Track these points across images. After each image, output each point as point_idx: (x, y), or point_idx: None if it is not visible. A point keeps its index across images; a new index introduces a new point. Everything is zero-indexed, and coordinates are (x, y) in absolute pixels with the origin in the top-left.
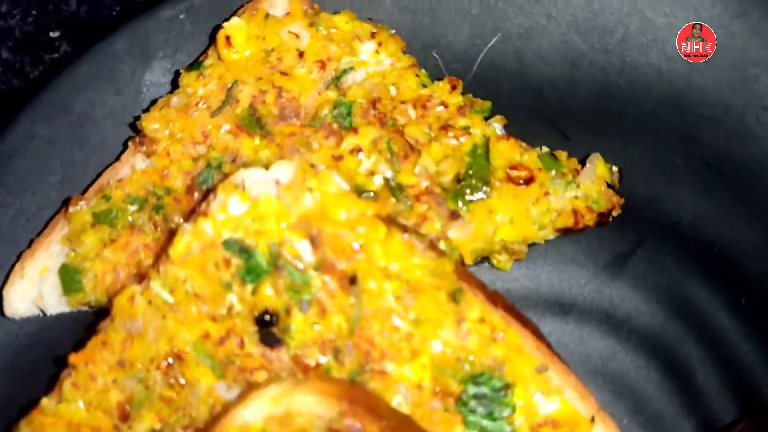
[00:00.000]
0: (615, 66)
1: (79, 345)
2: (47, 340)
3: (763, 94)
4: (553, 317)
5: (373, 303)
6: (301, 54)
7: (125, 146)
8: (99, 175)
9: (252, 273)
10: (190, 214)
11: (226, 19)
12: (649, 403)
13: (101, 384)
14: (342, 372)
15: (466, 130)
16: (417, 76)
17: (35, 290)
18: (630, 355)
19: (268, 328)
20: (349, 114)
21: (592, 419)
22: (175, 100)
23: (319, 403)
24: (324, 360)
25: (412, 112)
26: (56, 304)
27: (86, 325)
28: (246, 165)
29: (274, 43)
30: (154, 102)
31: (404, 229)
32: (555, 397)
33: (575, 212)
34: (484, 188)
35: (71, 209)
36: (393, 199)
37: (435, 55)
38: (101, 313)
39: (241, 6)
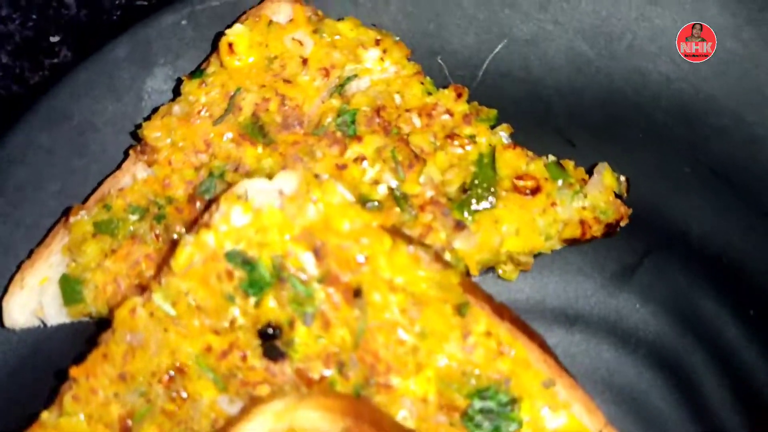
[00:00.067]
0: (622, 73)
1: (79, 357)
2: (47, 351)
3: None
4: (560, 328)
5: (377, 316)
6: (304, 61)
7: (126, 154)
8: (100, 183)
9: (255, 285)
10: (192, 225)
11: (229, 26)
12: (657, 416)
13: (102, 397)
14: (346, 385)
15: (471, 138)
16: (422, 83)
17: (35, 301)
18: (637, 367)
19: (271, 341)
20: (353, 122)
21: None
22: (176, 108)
23: (323, 419)
24: (328, 373)
25: (417, 121)
26: (56, 314)
27: (87, 337)
28: (249, 174)
29: (278, 50)
30: (155, 109)
31: (409, 240)
32: (562, 411)
33: (582, 223)
34: (490, 198)
35: (72, 219)
36: (397, 209)
37: (440, 61)
38: (102, 324)
39: (244, 12)
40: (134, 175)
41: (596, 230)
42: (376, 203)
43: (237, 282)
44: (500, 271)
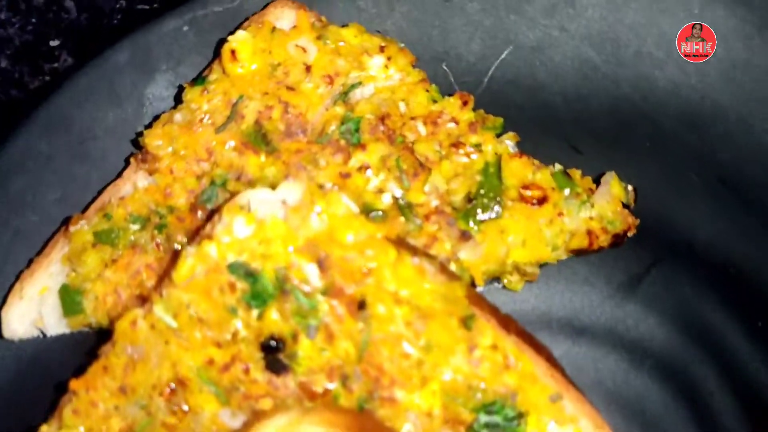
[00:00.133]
0: (629, 79)
1: (79, 370)
2: (47, 362)
3: None
4: (566, 339)
5: (382, 328)
6: (308, 68)
7: (127, 162)
8: (100, 192)
9: (258, 297)
10: (194, 234)
11: (231, 32)
12: (663, 429)
13: (102, 410)
14: (350, 399)
15: (477, 147)
16: (427, 91)
17: (34, 311)
18: (644, 379)
19: (274, 354)
20: (357, 130)
21: None
22: (178, 116)
23: None
24: (332, 387)
25: (422, 129)
26: (56, 325)
27: (87, 349)
28: (251, 183)
29: (281, 57)
30: (156, 117)
31: (414, 251)
32: (569, 426)
33: (590, 233)
34: (496, 208)
35: (72, 228)
36: (402, 219)
37: (445, 68)
38: (102, 335)
39: (247, 18)
40: (135, 183)
41: (603, 241)
42: (380, 213)
43: (239, 294)
44: (505, 282)
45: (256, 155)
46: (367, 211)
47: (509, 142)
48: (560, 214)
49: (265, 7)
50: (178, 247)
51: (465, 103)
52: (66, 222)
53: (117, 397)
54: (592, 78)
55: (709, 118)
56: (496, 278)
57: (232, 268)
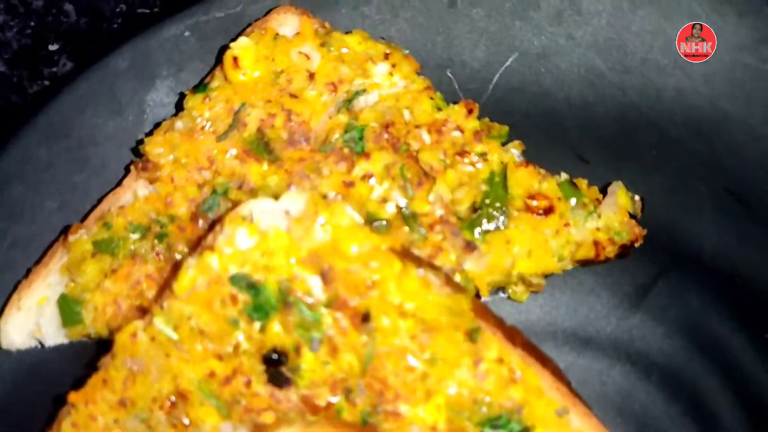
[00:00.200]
0: (636, 88)
1: (78, 382)
2: (45, 373)
3: None
4: (571, 351)
5: (386, 341)
6: (311, 75)
7: (127, 170)
8: (99, 200)
9: (260, 310)
10: (195, 244)
11: (234, 39)
12: None
13: (102, 424)
14: (353, 413)
15: (482, 156)
16: (432, 99)
17: (33, 321)
18: (650, 391)
19: (277, 367)
20: (361, 138)
21: None
22: (179, 123)
23: None
24: (335, 400)
25: (426, 137)
26: (55, 335)
27: (86, 360)
28: (253, 191)
29: (284, 64)
30: (157, 124)
31: (419, 262)
32: None
33: (596, 244)
34: (502, 218)
35: (71, 238)
36: (406, 228)
37: (449, 74)
38: (101, 346)
39: (249, 24)
40: (135, 192)
41: (610, 252)
42: (384, 222)
43: (241, 306)
44: (510, 292)
45: (259, 164)
46: (370, 220)
47: (515, 150)
48: (567, 224)
49: (267, 13)
50: (178, 256)
51: (470, 112)
52: (65, 231)
53: (117, 410)
54: (599, 85)
55: (715, 126)
56: (500, 288)
57: (234, 279)
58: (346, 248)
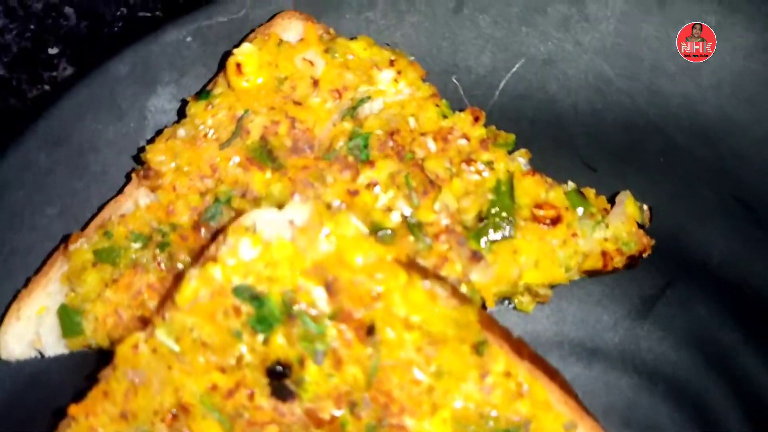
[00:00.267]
0: (644, 94)
1: (79, 395)
2: (45, 383)
3: None
4: (578, 362)
5: (391, 354)
6: (315, 82)
7: (128, 177)
8: (100, 208)
9: (264, 322)
10: (198, 255)
11: (237, 44)
12: None
13: None
14: (358, 426)
15: (489, 164)
16: (437, 106)
17: (32, 331)
18: (657, 403)
19: (280, 379)
20: (365, 146)
21: None
22: (181, 131)
23: None
24: (339, 414)
25: (432, 145)
26: (55, 345)
27: (87, 370)
28: (256, 200)
29: (288, 70)
30: (159, 131)
31: (425, 274)
32: None
33: (604, 255)
34: (508, 228)
35: (71, 247)
36: (411, 238)
37: (455, 80)
38: (103, 355)
39: (252, 30)
40: (136, 200)
41: (618, 262)
42: (388, 231)
43: (245, 318)
44: (516, 302)
45: (262, 172)
46: (375, 229)
47: (522, 159)
48: (574, 234)
49: (271, 18)
50: (180, 266)
51: (476, 119)
52: (65, 240)
53: (117, 423)
54: (606, 92)
55: (723, 132)
56: (506, 298)
57: (238, 291)
58: (351, 259)
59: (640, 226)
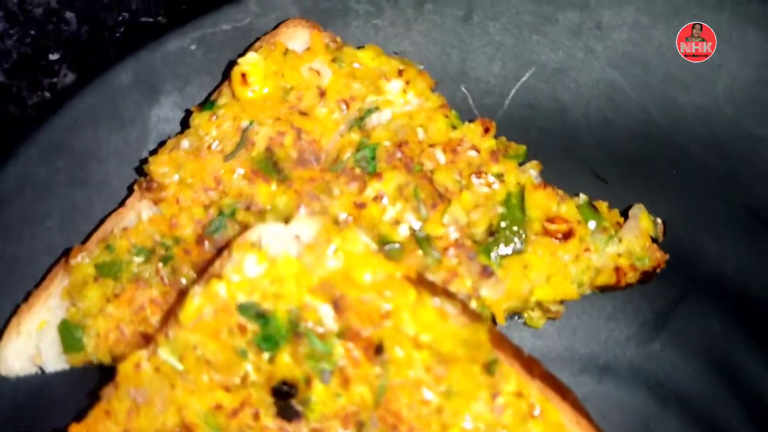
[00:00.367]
0: (657, 104)
1: (80, 414)
2: (46, 400)
3: None
4: (589, 378)
5: (400, 373)
6: (322, 92)
7: (130, 189)
8: (102, 221)
9: (269, 340)
10: (202, 271)
11: (242, 53)
12: None
13: None
14: None
15: (499, 177)
16: (446, 117)
17: (32, 347)
18: (670, 421)
19: (286, 399)
20: (373, 158)
21: None
22: (185, 142)
23: None
24: None
25: (441, 157)
26: (55, 360)
27: (88, 387)
28: (261, 212)
29: (294, 80)
30: (162, 142)
31: (435, 290)
32: None
33: (617, 270)
34: (519, 242)
35: (72, 261)
36: (420, 252)
37: (464, 90)
38: (104, 373)
39: (258, 38)
40: (139, 213)
41: (632, 278)
42: (396, 245)
43: (250, 336)
44: (527, 318)
45: (267, 184)
46: (382, 243)
47: (533, 171)
48: (587, 249)
49: (277, 26)
50: (184, 280)
51: (486, 130)
52: (66, 253)
53: None
54: (618, 102)
55: (737, 144)
56: (516, 313)
57: (243, 308)
58: (358, 276)
59: (654, 240)
